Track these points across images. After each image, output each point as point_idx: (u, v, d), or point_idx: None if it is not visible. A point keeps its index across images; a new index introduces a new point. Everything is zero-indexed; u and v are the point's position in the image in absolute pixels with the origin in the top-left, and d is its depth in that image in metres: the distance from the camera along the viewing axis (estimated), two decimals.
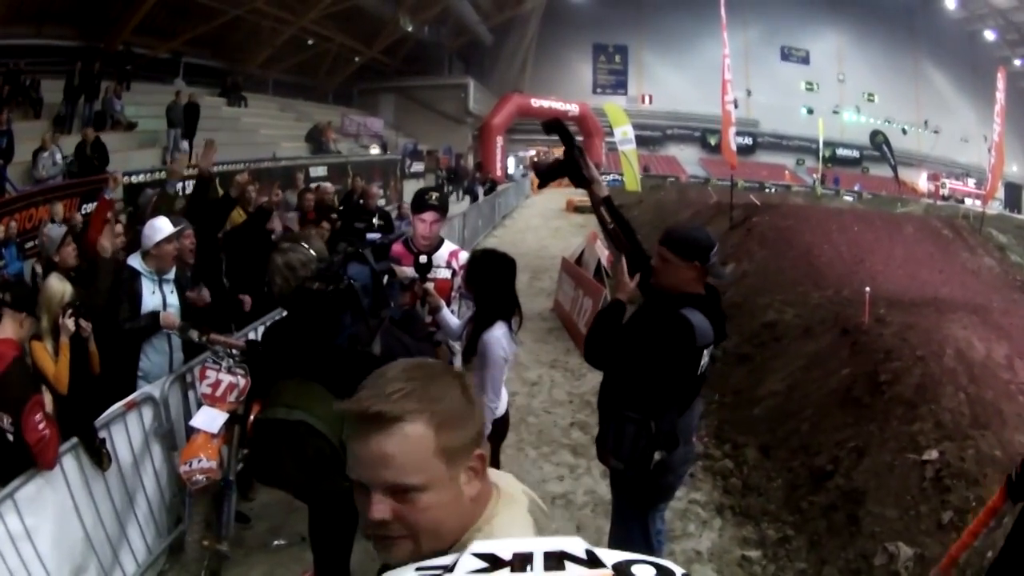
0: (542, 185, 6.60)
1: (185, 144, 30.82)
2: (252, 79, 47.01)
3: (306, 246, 5.49)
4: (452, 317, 7.39)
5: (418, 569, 2.80)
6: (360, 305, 5.35)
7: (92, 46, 32.22)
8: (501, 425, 7.23)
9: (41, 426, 5.93)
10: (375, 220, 7.71)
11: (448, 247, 7.98)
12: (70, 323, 6.89)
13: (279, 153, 37.06)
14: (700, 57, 70.75)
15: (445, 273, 7.76)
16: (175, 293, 8.11)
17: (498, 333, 6.65)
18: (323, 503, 5.81)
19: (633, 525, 6.21)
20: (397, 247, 7.70)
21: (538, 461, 10.43)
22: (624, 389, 5.84)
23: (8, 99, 26.07)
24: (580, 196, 38.05)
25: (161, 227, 7.90)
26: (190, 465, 6.90)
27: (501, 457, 7.99)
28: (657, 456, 5.70)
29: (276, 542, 8.06)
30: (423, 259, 7.46)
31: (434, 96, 62.76)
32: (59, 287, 7.02)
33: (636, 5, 74.84)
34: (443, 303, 7.32)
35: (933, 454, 8.11)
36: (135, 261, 8.00)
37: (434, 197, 7.76)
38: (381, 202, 14.62)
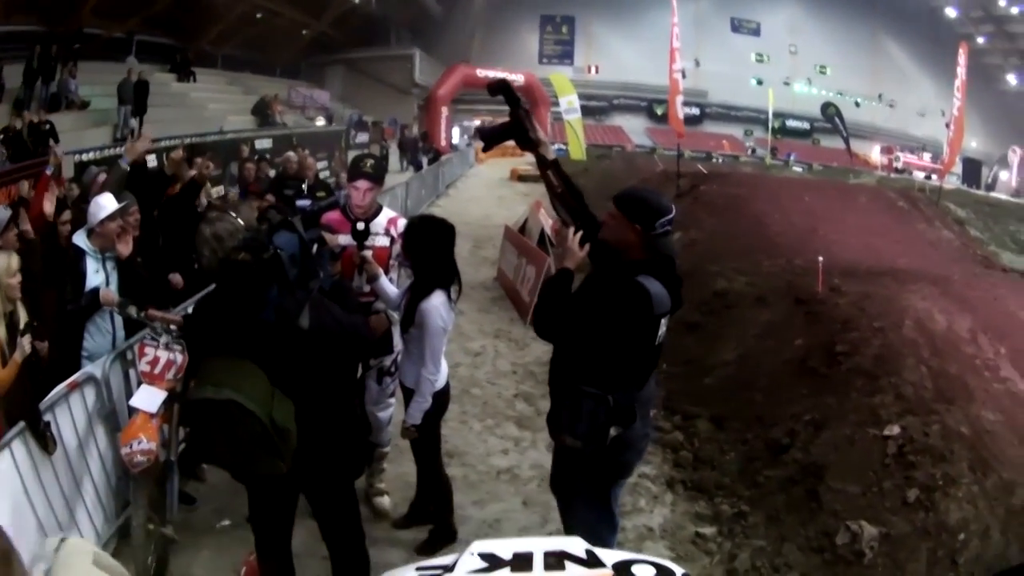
0: (487, 149, 6.35)
1: (134, 121, 30.82)
2: (203, 55, 46.91)
3: (234, 215, 5.41)
4: (391, 286, 7.29)
5: (419, 569, 3.19)
6: (286, 276, 5.15)
7: (52, 31, 32.25)
8: (442, 398, 7.15)
9: None
10: (303, 186, 7.42)
11: (386, 214, 7.87)
12: (26, 344, 6.70)
13: (226, 127, 36.88)
14: (650, 27, 70.40)
15: (384, 241, 7.64)
16: (116, 271, 7.90)
17: (436, 302, 6.65)
18: (260, 485, 5.63)
19: (595, 504, 5.96)
20: (334, 215, 7.55)
21: (482, 434, 10.31)
22: (578, 363, 5.60)
23: None
24: (524, 165, 38.21)
25: (105, 204, 7.71)
26: (130, 447, 6.65)
27: (444, 430, 7.85)
28: (613, 432, 5.49)
29: (221, 523, 7.90)
30: (360, 226, 7.37)
31: (381, 68, 62.94)
32: (2, 260, 6.78)
33: None
34: (381, 271, 7.20)
35: (895, 429, 8.07)
36: (80, 239, 7.82)
37: (368, 164, 7.69)
38: (325, 173, 14.28)
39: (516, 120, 5.97)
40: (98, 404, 7.23)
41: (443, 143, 58.63)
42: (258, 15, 49.47)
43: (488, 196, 34.66)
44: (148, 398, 6.96)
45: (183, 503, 7.95)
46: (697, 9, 69.16)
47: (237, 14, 46.47)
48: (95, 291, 7.62)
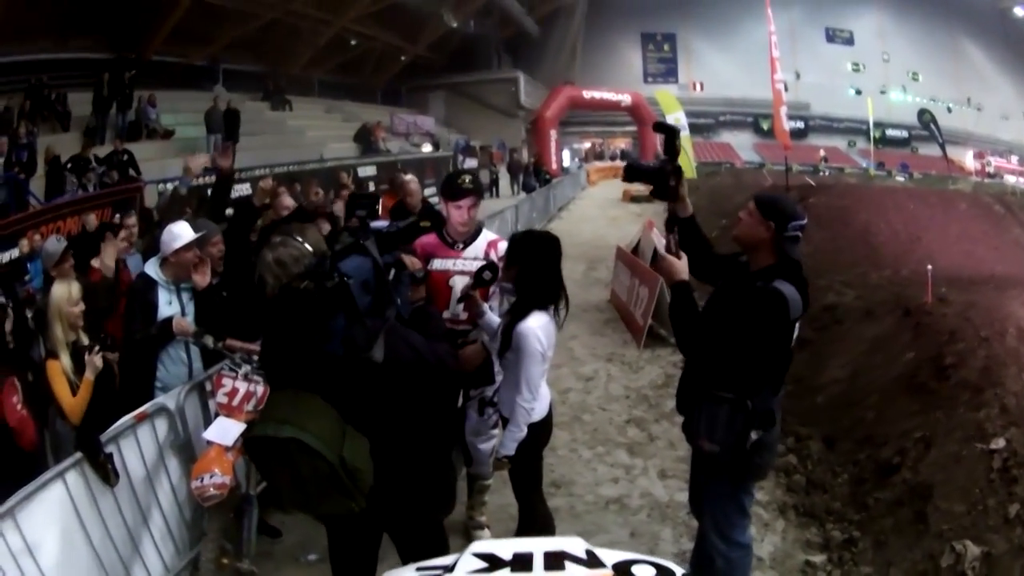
0: (627, 180, 6.11)
1: (224, 145, 30.27)
2: (295, 82, 47.10)
3: (300, 239, 4.85)
4: (495, 317, 6.79)
5: (419, 569, 3.22)
6: (354, 304, 4.70)
7: (122, 56, 32.23)
8: (542, 428, 6.61)
9: (19, 407, 5.95)
10: (377, 206, 7.06)
11: (486, 236, 7.47)
12: (97, 360, 6.75)
13: (326, 154, 36.97)
14: (747, 41, 70.90)
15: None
16: (193, 301, 7.66)
17: (534, 324, 6.13)
18: (336, 523, 5.33)
19: (731, 509, 5.91)
20: (429, 238, 7.29)
21: (592, 462, 9.87)
22: (714, 368, 5.60)
23: (31, 114, 26.19)
24: (637, 186, 38.36)
25: (180, 233, 7.47)
26: (202, 480, 6.40)
27: (551, 459, 7.80)
28: (754, 436, 5.50)
29: (307, 557, 7.68)
30: (487, 275, 6.46)
31: (484, 91, 62.54)
32: (63, 290, 6.89)
33: None
34: (486, 308, 6.79)
35: (1000, 442, 7.70)
36: (151, 269, 7.61)
37: (467, 180, 7.23)
38: (434, 199, 13.97)
39: (666, 170, 5.80)
40: (171, 435, 7.04)
41: (553, 165, 58.86)
42: (352, 41, 49.90)
43: (600, 217, 34.70)
44: (224, 430, 6.73)
45: (268, 535, 7.90)
46: (791, 20, 68.89)
47: (328, 39, 46.81)
48: (168, 320, 7.39)
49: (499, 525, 7.97)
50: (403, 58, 57.38)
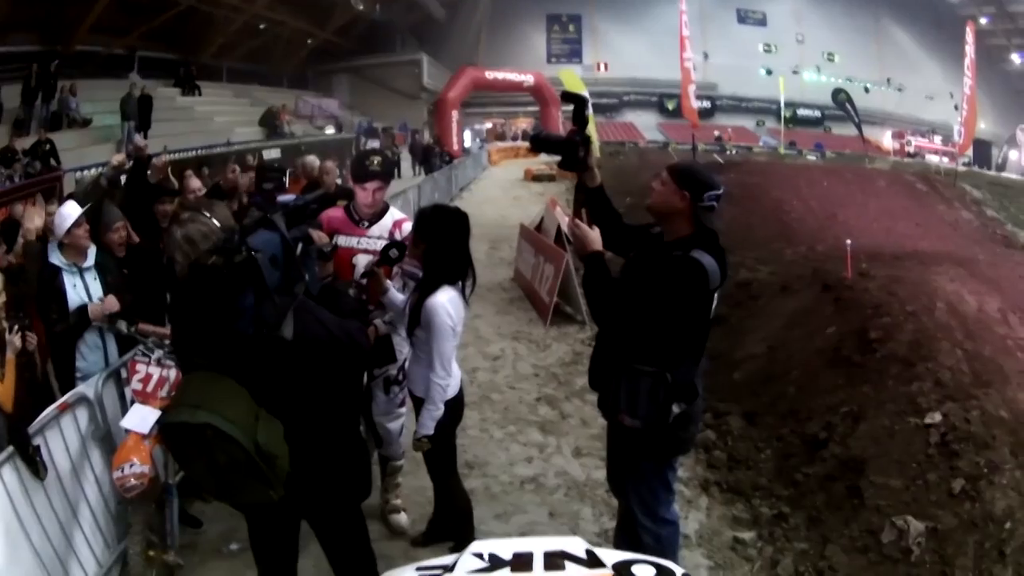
0: (534, 151, 6.09)
1: (139, 137, 30.10)
2: (206, 68, 47.17)
3: (208, 215, 4.72)
4: (398, 295, 6.77)
5: (418, 569, 3.18)
6: (263, 280, 4.52)
7: (51, 49, 32.56)
8: (455, 406, 6.60)
9: None
10: (284, 179, 6.80)
11: (392, 215, 7.45)
12: (16, 339, 6.54)
13: (233, 139, 37.39)
14: (656, 22, 71.32)
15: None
16: (98, 280, 7.59)
17: (443, 298, 6.15)
18: (255, 512, 5.18)
19: (656, 484, 5.85)
20: (336, 213, 7.32)
21: (504, 442, 9.85)
22: (631, 341, 5.51)
23: None
24: (539, 165, 38.39)
25: (69, 213, 7.37)
26: (122, 470, 6.31)
27: (462, 439, 7.70)
28: (676, 409, 5.44)
29: (230, 547, 7.54)
30: (393, 253, 6.49)
31: (388, 74, 63.30)
32: None
33: None
34: (390, 285, 6.76)
35: (936, 417, 7.84)
36: (54, 256, 7.51)
37: (376, 162, 7.20)
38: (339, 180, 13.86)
39: (575, 141, 5.73)
40: (92, 426, 6.87)
41: (455, 146, 58.90)
42: (261, 26, 49.93)
43: (503, 197, 34.65)
44: (140, 418, 6.62)
45: (189, 526, 7.73)
46: (702, 2, 69.14)
47: (239, 26, 46.88)
48: (83, 308, 7.34)
49: (416, 508, 7.95)
50: (310, 42, 57.81)
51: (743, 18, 77.60)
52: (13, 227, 9.32)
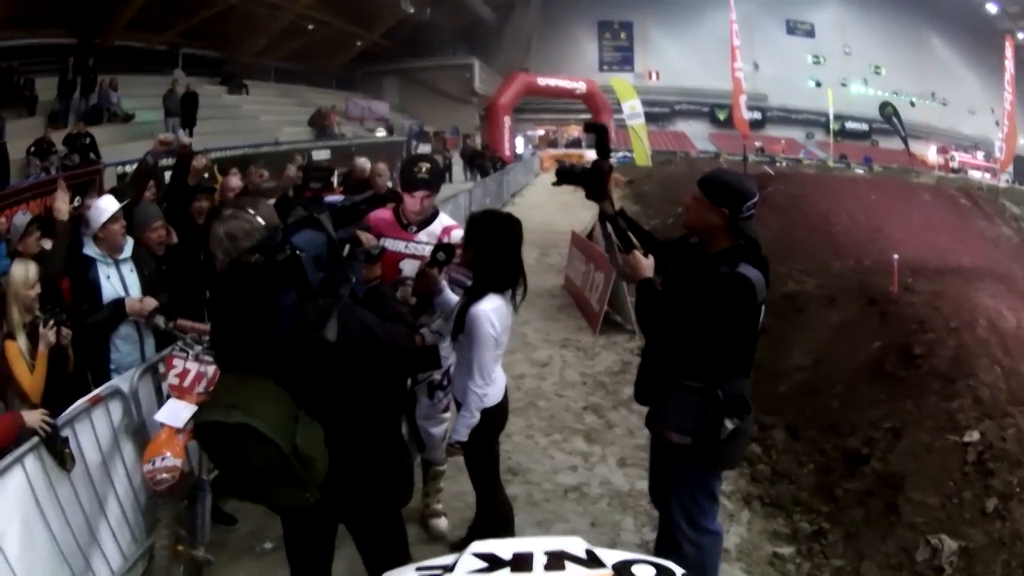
0: (557, 183, 6.05)
1: (183, 133, 30.85)
2: (252, 67, 47.26)
3: (252, 212, 4.66)
4: (453, 296, 6.45)
5: (418, 569, 3.15)
6: (306, 280, 4.38)
7: (86, 43, 32.46)
8: (496, 414, 6.45)
9: None
10: (332, 179, 6.58)
11: (442, 221, 7.31)
12: (50, 334, 6.62)
13: (280, 138, 37.40)
14: (706, 31, 71.01)
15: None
16: (135, 272, 7.61)
17: (487, 307, 5.99)
18: (290, 514, 5.10)
19: (701, 495, 5.78)
20: (384, 214, 7.21)
21: (548, 449, 9.73)
22: (680, 357, 5.43)
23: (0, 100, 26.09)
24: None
25: (105, 207, 7.41)
26: (153, 463, 6.33)
27: (507, 446, 7.62)
28: (730, 425, 5.37)
29: (263, 546, 7.52)
30: (441, 256, 6.32)
31: (439, 77, 62.70)
32: (21, 271, 6.76)
33: None
34: (444, 283, 6.45)
35: (975, 435, 7.71)
36: (88, 248, 7.50)
37: (424, 170, 7.02)
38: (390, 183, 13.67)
39: (598, 170, 5.83)
40: (125, 419, 6.95)
41: (507, 152, 59.01)
42: (308, 26, 49.68)
43: (553, 203, 34.17)
44: (175, 412, 6.61)
45: (222, 523, 7.72)
46: (750, 11, 67.74)
47: (284, 25, 46.76)
48: (119, 302, 7.32)
49: (456, 513, 7.90)
50: (358, 44, 57.47)
51: (792, 29, 77.12)
52: (52, 224, 9.34)
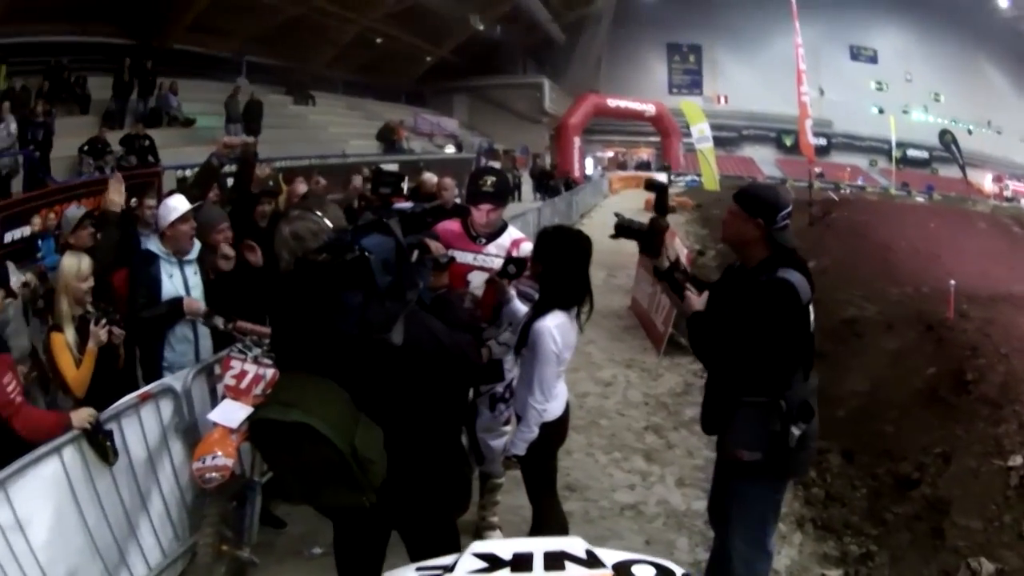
0: (615, 237, 6.06)
1: (246, 136, 30.53)
2: (319, 78, 47.27)
3: (319, 214, 4.61)
4: (521, 306, 6.41)
5: (418, 569, 3.17)
6: (374, 282, 4.31)
7: (143, 44, 32.56)
8: (556, 429, 6.36)
9: (9, 388, 5.67)
10: (403, 184, 6.41)
11: (511, 234, 7.26)
12: (102, 333, 6.63)
13: (348, 151, 37.24)
14: (772, 56, 70.78)
15: (500, 264, 6.62)
16: (199, 275, 7.60)
17: (551, 323, 5.91)
18: (343, 517, 5.01)
19: (768, 511, 5.83)
20: (453, 226, 7.12)
21: (608, 467, 9.69)
22: (740, 375, 5.46)
23: (50, 95, 26.12)
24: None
25: (176, 206, 7.39)
26: (203, 461, 6.31)
27: (566, 462, 7.64)
28: (796, 432, 5.34)
29: (311, 551, 7.46)
30: (512, 269, 6.26)
31: (508, 96, 62.86)
32: (73, 262, 6.78)
33: (707, 4, 74.47)
34: (513, 295, 6.41)
35: (1017, 459, 7.67)
36: (152, 244, 7.54)
37: (489, 183, 6.95)
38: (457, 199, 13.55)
39: (654, 228, 5.94)
40: (176, 418, 7.03)
41: (576, 173, 58.70)
42: (376, 40, 49.83)
43: None
44: (229, 413, 6.65)
45: (271, 526, 7.73)
46: (816, 36, 66.85)
47: (352, 37, 46.94)
48: (177, 300, 7.32)
49: (511, 527, 7.81)
50: (428, 59, 57.50)
51: (855, 55, 77.19)
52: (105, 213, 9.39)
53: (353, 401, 4.29)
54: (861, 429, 9.89)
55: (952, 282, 12.32)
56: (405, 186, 8.87)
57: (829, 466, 9.35)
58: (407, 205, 5.38)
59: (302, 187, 10.64)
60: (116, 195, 8.16)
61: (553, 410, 6.21)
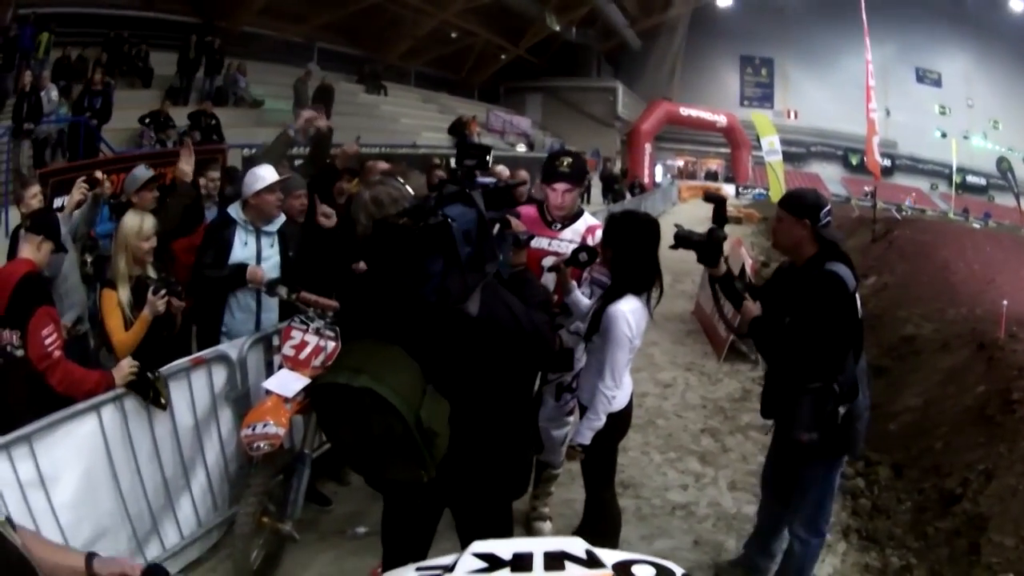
0: (675, 248, 6.07)
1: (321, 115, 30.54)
2: (392, 69, 47.48)
3: (401, 181, 4.61)
4: (583, 298, 6.55)
5: (418, 569, 3.16)
6: (455, 250, 4.20)
7: (209, 23, 32.59)
8: (620, 420, 6.35)
9: (48, 341, 5.67)
10: (489, 159, 6.43)
11: (587, 220, 7.13)
12: (160, 304, 6.58)
13: (419, 142, 37.26)
14: (842, 73, 70.23)
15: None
16: (276, 247, 7.61)
17: (625, 307, 5.92)
18: (397, 492, 4.89)
19: (825, 491, 6.30)
20: (529, 211, 7.00)
21: (662, 467, 9.76)
22: (798, 364, 5.87)
23: (109, 66, 26.13)
24: (728, 206, 39.49)
25: (263, 175, 7.45)
26: (253, 429, 6.29)
27: (622, 459, 7.50)
28: (842, 410, 5.78)
29: (355, 530, 7.47)
30: (583, 256, 6.16)
31: (582, 98, 62.53)
32: (135, 221, 6.76)
33: (780, 18, 73.64)
34: (574, 286, 6.56)
35: None
36: (233, 210, 7.60)
37: (565, 163, 6.86)
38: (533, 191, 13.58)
39: (713, 239, 6.13)
40: (228, 386, 7.03)
41: (645, 179, 58.90)
42: (452, 34, 49.95)
43: None
44: (285, 382, 6.67)
45: (316, 503, 7.74)
46: (884, 57, 65.86)
47: (428, 31, 46.93)
48: (242, 266, 7.34)
49: (561, 520, 7.85)
50: (503, 57, 57.44)
51: (921, 77, 75.96)
52: (171, 190, 9.38)
53: (423, 371, 4.17)
54: (912, 444, 9.97)
55: (1005, 302, 12.39)
56: (490, 160, 8.83)
57: (878, 478, 9.38)
58: (490, 180, 5.26)
59: (383, 164, 10.48)
60: (186, 165, 8.30)
61: (620, 400, 6.20)
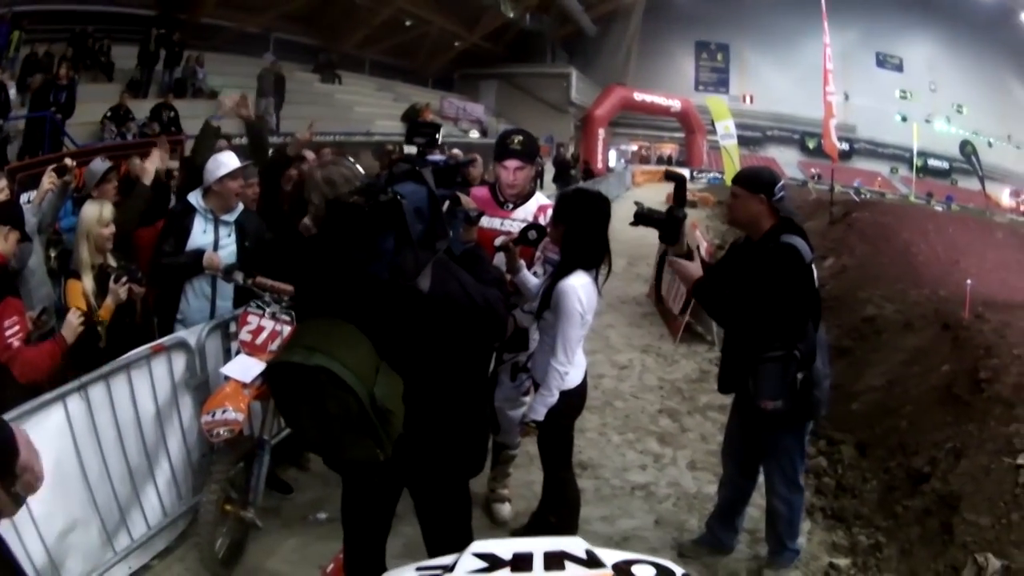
0: (634, 225, 6.12)
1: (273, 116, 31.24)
2: (348, 58, 47.47)
3: (352, 160, 4.66)
4: (532, 277, 6.59)
5: (418, 569, 3.03)
6: (406, 227, 4.29)
7: (172, 16, 32.50)
8: (575, 398, 6.39)
9: (9, 332, 5.70)
10: (438, 136, 6.42)
11: (538, 199, 7.22)
12: (121, 291, 6.69)
13: (373, 130, 37.79)
14: (800, 58, 70.50)
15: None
16: (233, 236, 7.61)
17: (576, 282, 5.96)
18: (354, 472, 4.90)
19: (795, 453, 6.59)
20: (481, 192, 7.10)
21: (621, 447, 9.86)
22: (757, 334, 6.03)
23: (74, 60, 26.37)
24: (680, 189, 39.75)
25: (226, 162, 7.47)
26: (212, 415, 6.29)
27: (580, 441, 7.68)
28: (800, 377, 5.98)
29: (316, 515, 7.53)
30: (532, 234, 6.25)
31: (536, 84, 62.41)
32: (95, 209, 6.89)
33: (738, 4, 74.22)
34: (523, 264, 6.55)
35: None
36: (193, 197, 7.60)
37: (516, 141, 6.91)
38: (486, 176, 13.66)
39: (673, 218, 6.18)
40: (187, 373, 7.03)
41: (599, 164, 59.14)
42: (407, 22, 49.61)
43: None
44: (244, 368, 6.69)
45: (277, 490, 7.79)
46: (844, 42, 66.43)
47: (383, 19, 46.68)
48: (199, 252, 7.35)
49: (521, 501, 7.91)
50: (457, 44, 57.27)
51: (881, 62, 76.51)
52: (131, 184, 9.38)
53: (376, 348, 4.21)
54: (876, 423, 10.00)
55: (968, 281, 12.43)
56: (440, 137, 8.91)
57: (841, 457, 9.48)
58: (440, 158, 5.27)
59: (328, 152, 10.65)
60: (151, 164, 8.53)
61: (573, 377, 6.24)
